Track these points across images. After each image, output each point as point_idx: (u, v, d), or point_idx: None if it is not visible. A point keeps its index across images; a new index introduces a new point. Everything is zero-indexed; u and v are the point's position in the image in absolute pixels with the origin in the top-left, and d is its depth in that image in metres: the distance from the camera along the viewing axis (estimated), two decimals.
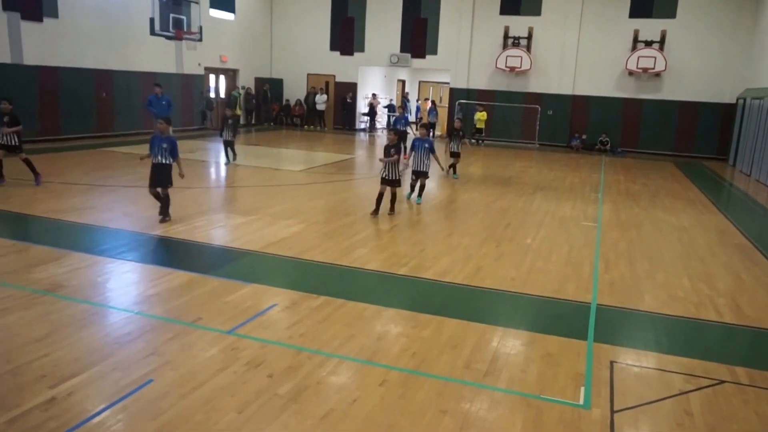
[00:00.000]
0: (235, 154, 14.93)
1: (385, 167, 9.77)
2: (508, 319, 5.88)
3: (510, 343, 5.27)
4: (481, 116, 23.16)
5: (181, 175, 8.72)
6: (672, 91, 21.80)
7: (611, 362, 4.96)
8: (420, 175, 11.00)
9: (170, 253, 7.61)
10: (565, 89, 22.99)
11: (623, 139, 22.62)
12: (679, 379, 4.74)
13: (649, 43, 21.48)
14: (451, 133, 14.33)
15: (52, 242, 7.53)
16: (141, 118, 18.90)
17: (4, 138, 10.45)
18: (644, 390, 4.54)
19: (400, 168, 9.98)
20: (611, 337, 5.53)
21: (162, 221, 8.62)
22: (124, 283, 6.37)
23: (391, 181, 9.78)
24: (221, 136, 14.80)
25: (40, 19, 15.64)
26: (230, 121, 14.52)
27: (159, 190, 8.65)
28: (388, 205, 9.98)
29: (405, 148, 16.62)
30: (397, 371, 4.62)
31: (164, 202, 8.72)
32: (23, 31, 15.66)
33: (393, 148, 9.80)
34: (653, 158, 21.18)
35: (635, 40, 21.70)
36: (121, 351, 4.69)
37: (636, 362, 5.03)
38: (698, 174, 17.70)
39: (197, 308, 5.65)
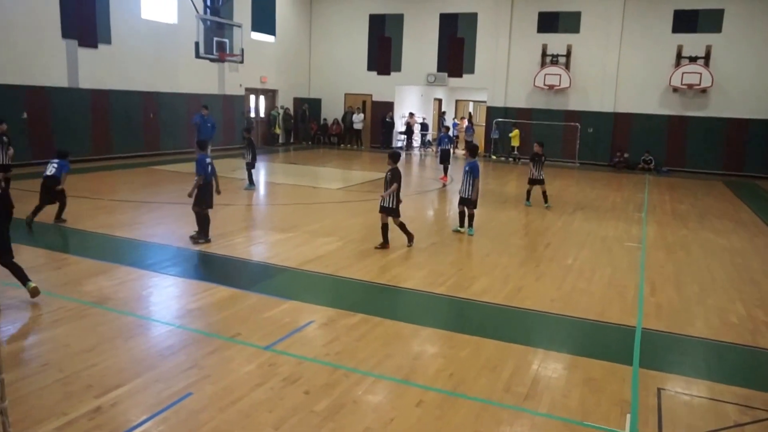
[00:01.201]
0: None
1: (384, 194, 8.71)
2: (549, 342, 5.74)
3: (551, 366, 5.14)
4: (514, 134, 23.01)
5: (218, 192, 8.97)
6: (719, 107, 21.18)
7: (658, 389, 4.78)
8: (465, 203, 10.03)
9: (211, 268, 7.76)
10: (607, 107, 22.63)
11: (668, 158, 22.05)
12: (734, 410, 4.52)
13: (693, 59, 20.99)
14: (533, 159, 12.99)
15: (102, 256, 7.77)
16: (186, 137, 19.46)
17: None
18: (695, 420, 4.35)
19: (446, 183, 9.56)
20: (658, 363, 5.33)
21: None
22: (167, 297, 6.51)
23: (388, 209, 8.71)
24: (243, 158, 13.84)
25: (95, 45, 16.39)
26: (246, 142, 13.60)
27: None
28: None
29: (446, 168, 16.70)
30: (434, 392, 4.56)
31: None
32: (80, 57, 16.42)
33: (389, 173, 8.68)
34: (700, 177, 20.54)
35: (679, 56, 21.24)
36: (164, 363, 4.79)
37: (686, 390, 4.83)
38: (750, 194, 17.04)
39: (237, 323, 5.73)
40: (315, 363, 4.93)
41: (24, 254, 7.45)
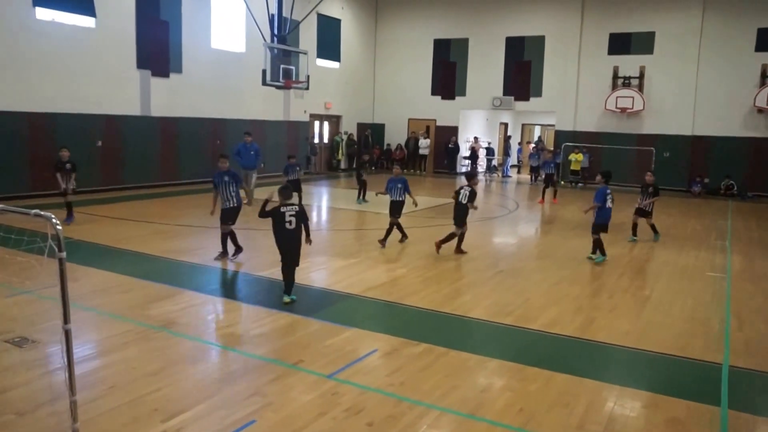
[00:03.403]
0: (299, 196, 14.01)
1: (456, 209, 10.00)
2: (626, 377, 5.38)
3: (629, 404, 4.79)
4: (576, 157, 22.30)
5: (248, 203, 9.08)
6: None
7: None
8: (598, 229, 9.93)
9: (273, 294, 7.78)
10: (684, 129, 21.58)
11: (752, 182, 20.70)
12: None
13: None
14: (642, 188, 12.20)
15: (167, 280, 7.97)
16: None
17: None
18: None
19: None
20: (749, 405, 4.87)
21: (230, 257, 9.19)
22: (230, 322, 6.58)
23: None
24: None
25: (167, 75, 17.24)
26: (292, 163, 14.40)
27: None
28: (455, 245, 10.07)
29: (556, 191, 17.25)
30: (502, 427, 4.33)
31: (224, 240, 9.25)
32: (152, 86, 17.32)
33: (464, 188, 10.00)
34: None
35: (763, 75, 20.05)
36: (227, 389, 4.78)
37: None
38: None
39: (299, 350, 5.68)
40: (378, 393, 4.80)
41: (95, 278, 7.76)
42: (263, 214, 6.99)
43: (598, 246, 9.92)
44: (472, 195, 10.01)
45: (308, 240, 7.16)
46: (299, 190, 13.83)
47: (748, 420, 4.59)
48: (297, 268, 7.15)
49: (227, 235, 9.19)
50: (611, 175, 10.35)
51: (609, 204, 9.87)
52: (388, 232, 10.55)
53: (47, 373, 4.99)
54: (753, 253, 11.02)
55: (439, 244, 9.93)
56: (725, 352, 5.97)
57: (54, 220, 3.54)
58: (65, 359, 3.65)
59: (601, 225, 9.89)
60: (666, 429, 4.40)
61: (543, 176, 18.00)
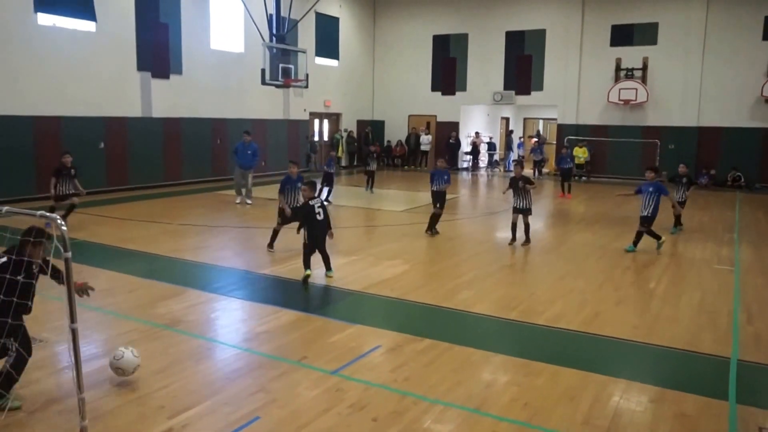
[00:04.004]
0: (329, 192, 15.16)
1: (516, 197, 10.29)
2: (632, 371, 5.33)
3: (635, 399, 4.75)
4: (580, 152, 21.99)
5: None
6: None
7: (759, 429, 4.31)
8: (645, 221, 10.10)
9: (277, 291, 7.79)
10: (690, 121, 21.44)
11: (760, 173, 20.53)
12: None
13: None
14: (676, 180, 12.27)
15: (172, 279, 7.97)
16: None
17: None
18: None
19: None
20: (759, 399, 4.82)
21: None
22: (234, 320, 6.57)
23: (522, 210, 10.32)
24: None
25: (167, 77, 17.23)
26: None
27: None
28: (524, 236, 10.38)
29: (569, 186, 17.34)
30: (507, 422, 4.30)
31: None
32: (153, 88, 17.32)
33: (520, 180, 10.27)
34: None
35: None
36: (231, 386, 4.78)
37: None
38: None
39: (303, 347, 5.67)
40: (383, 389, 4.78)
41: (101, 277, 7.76)
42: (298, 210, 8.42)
43: (640, 238, 10.10)
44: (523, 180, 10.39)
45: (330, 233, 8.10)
46: (331, 184, 14.92)
47: (757, 414, 4.54)
48: (298, 265, 7.90)
49: (278, 232, 9.59)
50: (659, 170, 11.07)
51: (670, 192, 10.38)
52: (432, 221, 11.15)
53: (56, 371, 5.01)
54: (761, 245, 10.93)
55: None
56: (734, 346, 5.92)
57: (59, 221, 3.57)
58: (72, 358, 3.66)
59: (650, 218, 10.07)
60: (674, 423, 4.36)
61: (558, 171, 18.17)
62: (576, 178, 22.15)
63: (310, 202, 7.91)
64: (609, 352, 5.89)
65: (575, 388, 4.88)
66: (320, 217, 7.86)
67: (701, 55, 20.94)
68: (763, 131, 20.39)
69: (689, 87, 21.25)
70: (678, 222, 11.93)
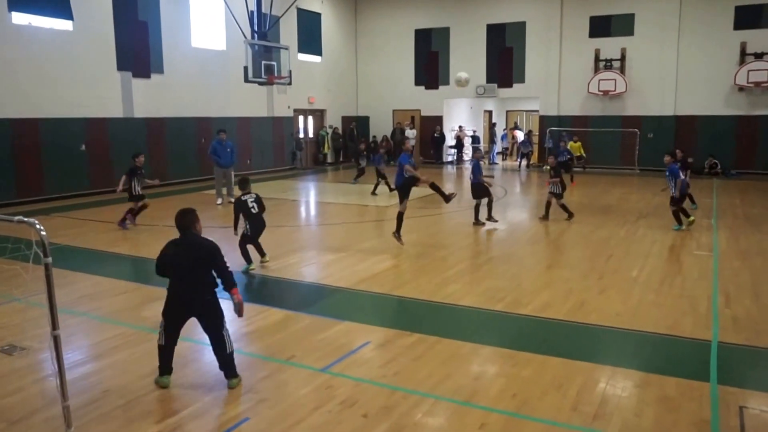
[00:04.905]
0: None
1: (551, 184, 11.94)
2: (617, 358, 5.43)
3: (620, 384, 4.84)
4: (575, 147, 21.67)
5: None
6: None
7: (740, 407, 4.42)
8: (672, 202, 11.20)
9: (265, 290, 7.79)
10: (667, 110, 21.72)
11: (737, 160, 20.89)
12: None
13: (759, 56, 19.92)
14: (685, 165, 13.25)
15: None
16: (239, 162, 19.86)
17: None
18: None
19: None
20: (739, 380, 4.94)
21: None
22: None
23: (555, 194, 12.07)
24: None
25: (148, 76, 17.05)
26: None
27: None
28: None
29: (571, 175, 17.69)
30: (497, 413, 4.36)
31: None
32: (134, 88, 17.14)
33: (553, 170, 11.94)
34: None
35: (743, 53, 20.20)
36: (220, 388, 4.78)
37: None
38: None
39: (291, 346, 5.69)
40: (372, 385, 4.82)
41: (85, 282, 7.70)
42: None
43: (677, 216, 11.04)
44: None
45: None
46: (385, 177, 15.93)
47: (737, 393, 4.65)
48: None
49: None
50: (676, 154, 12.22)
51: (682, 176, 11.18)
52: (477, 211, 11.72)
53: (39, 379, 4.96)
54: (738, 229, 11.15)
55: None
56: (714, 329, 6.05)
57: (38, 226, 3.52)
58: (55, 365, 3.62)
59: (677, 199, 11.06)
60: (657, 406, 4.45)
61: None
62: (579, 169, 21.92)
63: (242, 198, 8.33)
64: (595, 340, 5.98)
65: (562, 377, 4.96)
66: (254, 211, 8.31)
67: (676, 45, 21.21)
68: (736, 119, 20.73)
69: (666, 76, 21.51)
70: (691, 200, 12.93)
